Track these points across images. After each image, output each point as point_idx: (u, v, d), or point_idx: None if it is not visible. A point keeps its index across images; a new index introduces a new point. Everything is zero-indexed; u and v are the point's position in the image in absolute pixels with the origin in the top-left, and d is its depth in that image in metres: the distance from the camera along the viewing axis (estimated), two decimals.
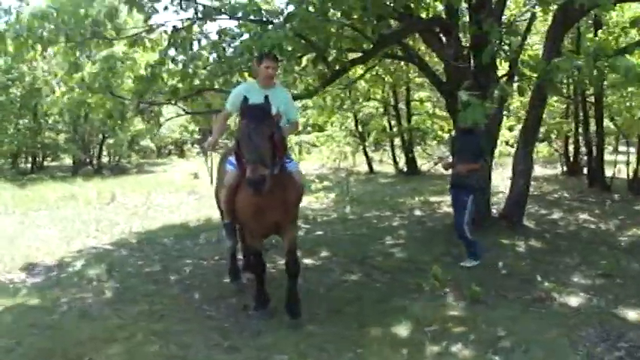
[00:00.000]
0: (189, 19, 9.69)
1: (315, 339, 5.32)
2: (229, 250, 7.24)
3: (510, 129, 20.41)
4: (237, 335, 5.47)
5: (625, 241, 9.63)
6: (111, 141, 33.07)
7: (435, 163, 12.81)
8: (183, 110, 11.41)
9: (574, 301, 6.43)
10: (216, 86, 10.01)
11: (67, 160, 36.45)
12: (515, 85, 8.58)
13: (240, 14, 9.01)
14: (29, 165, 33.42)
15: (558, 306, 6.28)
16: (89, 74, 11.03)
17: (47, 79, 29.70)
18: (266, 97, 5.28)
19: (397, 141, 24.96)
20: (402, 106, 23.88)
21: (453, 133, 11.89)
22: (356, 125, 25.45)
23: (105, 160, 35.28)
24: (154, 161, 41.07)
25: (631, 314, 5.94)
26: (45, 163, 34.74)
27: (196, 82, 9.78)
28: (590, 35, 14.54)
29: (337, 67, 9.52)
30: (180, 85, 9.90)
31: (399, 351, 5.10)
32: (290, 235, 5.91)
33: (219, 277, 7.71)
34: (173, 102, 10.50)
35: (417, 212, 11.97)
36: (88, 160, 33.95)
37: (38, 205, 15.66)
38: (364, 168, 25.53)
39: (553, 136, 20.90)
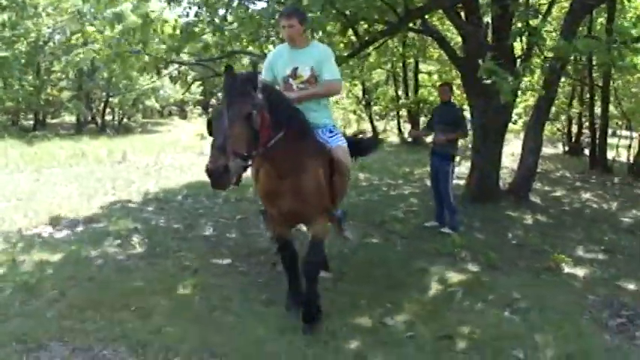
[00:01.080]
0: None
1: (348, 296, 5.65)
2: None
3: (515, 106, 20.67)
4: (271, 290, 5.78)
5: (626, 222, 10.03)
6: (115, 100, 33.15)
7: (410, 135, 13.43)
8: (213, 71, 11.56)
9: (580, 272, 6.82)
10: (241, 47, 10.24)
11: (68, 118, 36.53)
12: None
13: None
14: (31, 122, 33.49)
15: (566, 276, 6.67)
16: (122, 31, 11.10)
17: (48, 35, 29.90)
18: (254, 65, 4.44)
19: (402, 111, 25.18)
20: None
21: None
22: (363, 93, 25.62)
23: (108, 118, 35.37)
24: (156, 121, 41.16)
25: (631, 286, 6.37)
26: (47, 121, 34.82)
27: (226, 34, 9.85)
28: (602, 20, 14.80)
29: (367, 38, 9.79)
30: (210, 41, 10.08)
31: (425, 307, 5.48)
32: (315, 229, 5.00)
33: (244, 235, 8.07)
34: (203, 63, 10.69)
35: (427, 182, 12.26)
36: (91, 118, 34.12)
37: (49, 163, 15.91)
38: (369, 136, 25.63)
39: (563, 117, 21.22)
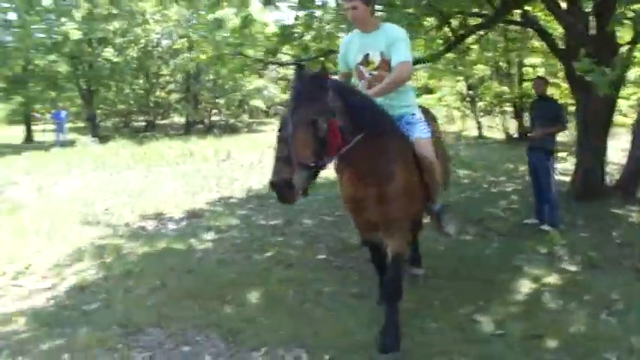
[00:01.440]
0: None
1: (440, 292, 5.61)
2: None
3: (627, 98, 19.75)
4: (364, 284, 5.82)
5: None
6: (221, 101, 34.10)
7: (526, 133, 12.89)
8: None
9: None
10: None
11: (177, 119, 37.90)
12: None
13: None
14: (142, 124, 34.97)
15: None
16: (223, 35, 11.52)
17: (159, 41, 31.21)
18: (323, 65, 4.06)
19: (507, 106, 24.54)
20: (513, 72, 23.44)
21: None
22: (467, 89, 25.15)
23: (215, 119, 36.41)
24: (262, 121, 41.93)
25: None
26: (156, 122, 36.24)
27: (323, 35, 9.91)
28: None
29: (461, 32, 9.65)
30: (312, 44, 10.20)
31: (518, 305, 5.36)
32: (395, 243, 4.44)
33: (341, 231, 8.11)
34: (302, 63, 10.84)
35: (529, 178, 11.96)
36: (199, 119, 35.25)
37: (158, 162, 16.60)
38: (473, 133, 25.22)
39: None
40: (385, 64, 4.54)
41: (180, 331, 4.86)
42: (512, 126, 23.65)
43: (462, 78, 23.88)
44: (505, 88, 23.67)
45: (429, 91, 26.26)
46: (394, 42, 4.46)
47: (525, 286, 5.85)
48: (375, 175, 4.20)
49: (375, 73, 4.62)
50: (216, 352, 4.52)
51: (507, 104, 24.05)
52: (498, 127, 25.25)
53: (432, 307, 5.25)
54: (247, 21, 10.45)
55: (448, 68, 18.63)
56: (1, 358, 4.53)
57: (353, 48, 4.71)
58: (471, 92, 25.17)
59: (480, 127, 24.99)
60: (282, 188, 3.49)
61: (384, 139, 4.20)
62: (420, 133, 4.61)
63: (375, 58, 4.58)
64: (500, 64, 23.06)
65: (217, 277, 6.23)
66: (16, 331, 5.05)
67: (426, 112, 5.20)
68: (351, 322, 4.91)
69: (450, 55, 12.56)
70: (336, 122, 3.74)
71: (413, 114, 4.71)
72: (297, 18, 10.15)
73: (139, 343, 4.69)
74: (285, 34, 10.07)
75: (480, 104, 26.19)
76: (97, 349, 4.58)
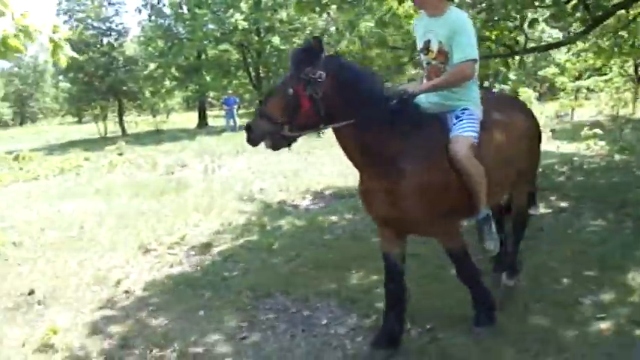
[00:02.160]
0: None
1: (553, 273, 5.65)
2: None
3: None
4: (483, 262, 5.85)
5: None
6: None
7: None
8: None
9: None
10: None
11: None
12: None
13: None
14: None
15: None
16: (366, 31, 11.89)
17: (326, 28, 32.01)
18: (318, 39, 3.83)
19: None
20: None
21: None
22: (635, 70, 23.68)
23: None
24: None
25: None
26: None
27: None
28: None
29: (599, 13, 9.24)
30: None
31: (629, 293, 5.17)
32: (443, 244, 4.39)
33: None
34: None
35: None
36: None
37: (320, 146, 17.28)
38: None
39: None
40: (441, 55, 4.18)
41: (303, 297, 5.42)
42: None
43: (630, 59, 22.45)
44: None
45: (599, 73, 24.80)
46: (455, 34, 4.04)
47: None
48: (397, 167, 4.00)
49: (434, 62, 4.29)
50: (333, 317, 5.01)
51: None
52: None
53: (540, 286, 5.33)
54: (387, 16, 10.51)
55: (613, 47, 17.68)
56: (146, 312, 5.30)
57: (418, 32, 4.41)
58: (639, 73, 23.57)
59: None
60: (245, 130, 3.79)
61: (401, 129, 4.00)
62: (459, 130, 4.10)
63: (434, 47, 4.22)
64: None
65: (348, 250, 6.74)
66: (164, 291, 5.90)
67: (513, 103, 5.22)
68: (461, 295, 5.04)
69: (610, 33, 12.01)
70: (299, 90, 3.74)
71: (465, 109, 4.20)
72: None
73: (266, 306, 5.31)
74: None
75: None
76: (228, 308, 5.27)
